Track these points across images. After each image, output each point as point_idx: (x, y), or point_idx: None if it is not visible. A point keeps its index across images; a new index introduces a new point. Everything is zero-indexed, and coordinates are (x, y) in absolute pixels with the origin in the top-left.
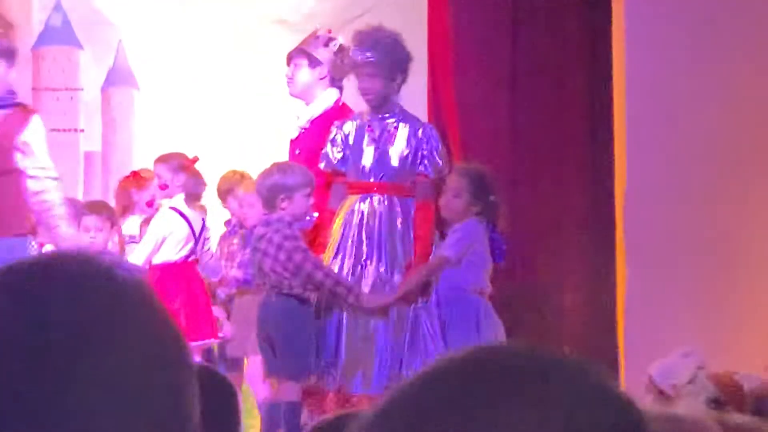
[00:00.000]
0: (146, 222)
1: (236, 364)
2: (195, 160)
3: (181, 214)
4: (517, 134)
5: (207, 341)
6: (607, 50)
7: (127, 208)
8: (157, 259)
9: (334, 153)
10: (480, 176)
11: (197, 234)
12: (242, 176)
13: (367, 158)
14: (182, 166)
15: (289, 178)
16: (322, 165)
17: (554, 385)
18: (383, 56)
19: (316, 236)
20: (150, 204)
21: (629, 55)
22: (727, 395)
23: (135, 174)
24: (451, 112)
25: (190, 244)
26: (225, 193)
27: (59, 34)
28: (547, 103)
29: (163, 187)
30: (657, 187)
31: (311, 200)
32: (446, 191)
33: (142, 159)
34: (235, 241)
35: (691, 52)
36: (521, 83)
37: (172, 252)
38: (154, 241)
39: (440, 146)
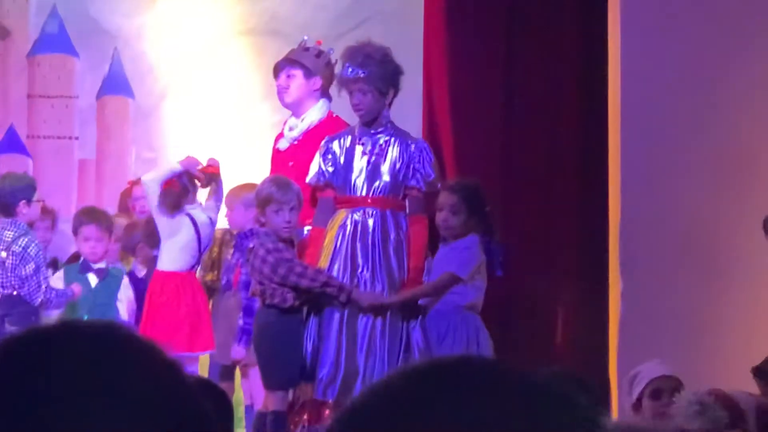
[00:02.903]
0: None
1: (230, 371)
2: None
3: (192, 221)
4: (511, 149)
5: (206, 352)
6: (602, 68)
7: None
8: (165, 267)
9: (326, 166)
10: (473, 190)
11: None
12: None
13: (359, 173)
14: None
15: (259, 193)
16: (309, 178)
17: (520, 393)
18: (373, 71)
19: (301, 253)
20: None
21: (624, 74)
22: (730, 415)
23: (132, 183)
24: (445, 127)
25: (196, 254)
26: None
27: (55, 41)
28: (541, 118)
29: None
30: (652, 200)
31: (287, 215)
32: (441, 208)
33: (140, 168)
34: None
35: (687, 76)
36: (516, 99)
37: (181, 260)
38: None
39: (433, 160)
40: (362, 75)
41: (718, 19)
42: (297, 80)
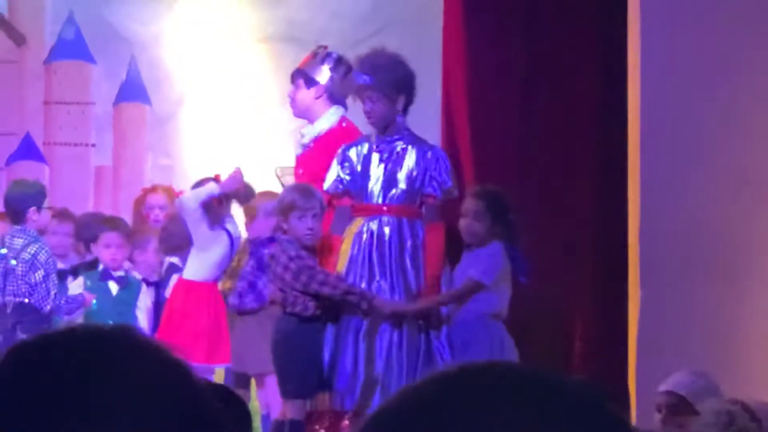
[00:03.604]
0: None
1: (245, 380)
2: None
3: (229, 235)
4: (529, 156)
5: (223, 365)
6: (621, 75)
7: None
8: (192, 276)
9: (343, 174)
10: (497, 197)
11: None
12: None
13: (375, 181)
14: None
15: (282, 200)
16: (326, 186)
17: (554, 399)
18: (382, 78)
19: (319, 260)
20: None
21: (644, 80)
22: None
23: (146, 191)
24: (464, 133)
25: (225, 267)
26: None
27: (72, 47)
28: (560, 125)
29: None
30: (672, 207)
31: (310, 222)
32: (466, 215)
33: (156, 174)
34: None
35: (708, 79)
36: (535, 105)
37: (210, 273)
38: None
39: (450, 167)
40: (370, 82)
41: (739, 24)
42: (299, 90)
